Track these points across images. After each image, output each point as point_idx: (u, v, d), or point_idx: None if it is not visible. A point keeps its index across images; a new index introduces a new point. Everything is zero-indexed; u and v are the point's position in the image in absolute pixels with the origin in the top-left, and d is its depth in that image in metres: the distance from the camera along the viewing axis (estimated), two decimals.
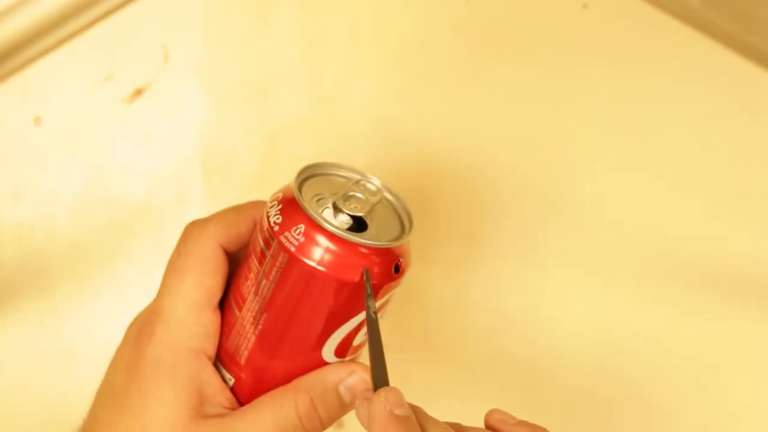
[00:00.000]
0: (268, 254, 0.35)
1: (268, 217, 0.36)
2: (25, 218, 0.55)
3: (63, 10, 0.56)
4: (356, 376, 0.37)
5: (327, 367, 0.37)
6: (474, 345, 0.54)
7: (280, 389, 0.37)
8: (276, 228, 0.35)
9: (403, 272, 0.36)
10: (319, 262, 0.34)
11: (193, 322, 0.38)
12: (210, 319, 0.38)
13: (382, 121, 0.56)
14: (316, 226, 0.34)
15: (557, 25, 0.57)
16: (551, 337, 0.54)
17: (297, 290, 0.35)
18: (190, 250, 0.38)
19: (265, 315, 0.36)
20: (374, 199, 0.36)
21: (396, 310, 0.53)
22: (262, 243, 0.36)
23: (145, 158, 0.56)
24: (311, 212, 0.34)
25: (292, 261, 0.35)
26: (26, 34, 0.56)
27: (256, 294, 0.36)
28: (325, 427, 0.37)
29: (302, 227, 0.34)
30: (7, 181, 0.56)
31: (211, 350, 0.38)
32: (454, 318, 0.54)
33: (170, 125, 0.56)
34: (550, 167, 0.55)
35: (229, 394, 0.38)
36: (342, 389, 0.37)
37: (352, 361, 0.38)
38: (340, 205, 0.35)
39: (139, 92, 0.56)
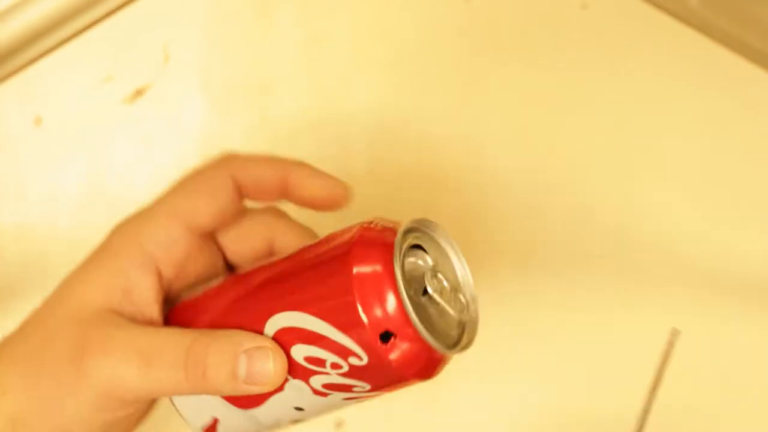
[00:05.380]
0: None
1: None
2: (26, 218, 0.56)
3: (63, 11, 0.56)
4: (262, 354, 0.33)
5: (249, 333, 0.33)
6: (474, 346, 0.54)
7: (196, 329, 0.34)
8: (375, 226, 0.33)
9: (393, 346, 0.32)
10: (362, 282, 0.32)
11: (162, 225, 0.35)
12: (181, 237, 0.35)
13: (382, 121, 0.56)
14: (392, 272, 0.32)
15: (557, 25, 0.57)
16: (551, 337, 0.54)
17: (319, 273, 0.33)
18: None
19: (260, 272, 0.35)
20: (455, 308, 0.34)
21: None
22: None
23: (146, 158, 0.56)
24: (396, 258, 0.32)
25: (346, 252, 0.32)
26: (27, 34, 0.56)
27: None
28: (208, 388, 0.33)
29: (381, 267, 0.32)
30: (8, 181, 0.56)
31: (166, 269, 0.36)
32: None
33: (171, 125, 0.56)
34: (551, 167, 0.56)
35: (156, 317, 0.35)
36: (242, 359, 0.33)
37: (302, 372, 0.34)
38: (428, 277, 0.33)
39: (139, 93, 0.56)
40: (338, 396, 0.34)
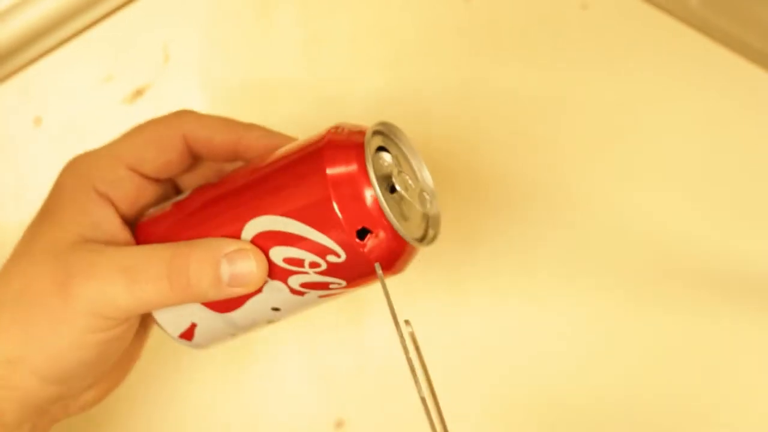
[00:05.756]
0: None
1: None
2: (26, 218, 0.55)
3: (63, 11, 0.56)
4: (243, 257, 0.34)
5: (226, 239, 0.34)
6: (473, 347, 0.54)
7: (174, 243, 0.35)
8: (342, 131, 0.34)
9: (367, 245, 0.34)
10: (337, 182, 0.33)
11: (109, 167, 0.37)
12: (127, 177, 0.37)
13: None
14: (364, 168, 0.33)
15: (557, 25, 0.57)
16: (551, 337, 0.54)
17: (291, 172, 0.34)
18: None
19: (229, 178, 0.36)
20: (420, 204, 0.36)
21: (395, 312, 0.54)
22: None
23: None
24: (367, 152, 0.33)
25: (317, 154, 0.33)
26: (26, 34, 0.56)
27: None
28: (193, 295, 0.35)
29: (355, 165, 0.33)
30: (8, 181, 0.56)
31: (120, 204, 0.37)
32: (454, 319, 0.54)
33: None
34: (550, 168, 0.56)
35: (129, 239, 0.37)
36: (223, 264, 0.34)
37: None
38: (395, 174, 0.34)
39: (139, 93, 0.56)
40: (314, 294, 0.35)
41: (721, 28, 0.56)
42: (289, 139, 0.38)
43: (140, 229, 0.38)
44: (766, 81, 0.55)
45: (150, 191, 0.38)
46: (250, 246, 0.34)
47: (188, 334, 0.38)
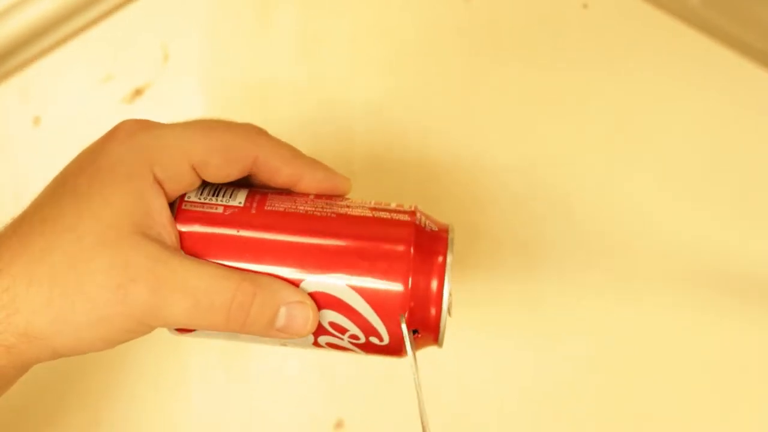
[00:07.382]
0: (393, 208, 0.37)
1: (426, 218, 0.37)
2: None
3: (63, 10, 0.56)
4: (302, 311, 0.35)
5: (290, 285, 0.35)
6: (474, 346, 0.54)
7: (235, 269, 0.35)
8: (426, 227, 0.36)
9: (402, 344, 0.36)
10: (411, 271, 0.35)
11: (174, 159, 0.36)
12: (187, 175, 0.36)
13: (383, 121, 0.56)
14: (443, 275, 0.35)
15: (557, 25, 0.57)
16: (551, 336, 0.54)
17: (377, 239, 0.35)
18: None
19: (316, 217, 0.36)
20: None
21: None
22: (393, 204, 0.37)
23: None
24: (448, 265, 0.35)
25: (407, 228, 0.35)
26: (26, 34, 0.56)
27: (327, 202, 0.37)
28: (244, 330, 0.35)
29: (441, 257, 0.35)
30: (7, 181, 0.56)
31: (170, 195, 0.36)
32: (454, 320, 0.54)
33: None
34: (550, 167, 0.55)
35: (176, 236, 0.36)
36: (282, 311, 0.35)
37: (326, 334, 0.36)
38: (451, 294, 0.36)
39: (138, 92, 0.56)
40: (328, 347, 0.37)
41: (722, 28, 0.56)
42: (347, 181, 0.39)
43: (185, 222, 0.36)
44: (766, 81, 0.55)
45: (195, 186, 0.38)
46: (310, 302, 0.35)
47: (189, 331, 0.38)
